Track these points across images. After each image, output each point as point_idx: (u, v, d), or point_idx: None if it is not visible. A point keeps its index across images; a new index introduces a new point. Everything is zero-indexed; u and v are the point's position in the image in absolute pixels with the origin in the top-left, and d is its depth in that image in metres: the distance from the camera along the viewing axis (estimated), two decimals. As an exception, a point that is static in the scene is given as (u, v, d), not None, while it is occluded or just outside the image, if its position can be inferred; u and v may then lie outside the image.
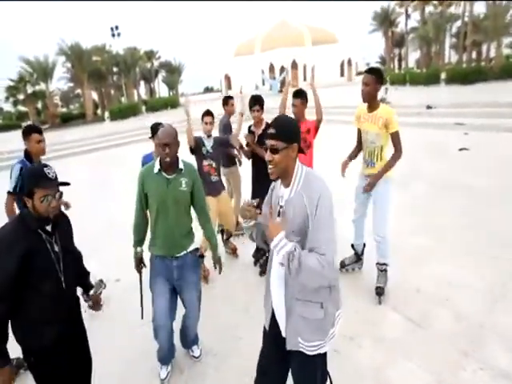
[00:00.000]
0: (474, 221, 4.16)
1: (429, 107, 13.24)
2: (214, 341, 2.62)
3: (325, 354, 1.56)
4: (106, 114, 24.61)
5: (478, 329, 2.47)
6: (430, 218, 4.37)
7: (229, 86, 48.13)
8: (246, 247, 3.98)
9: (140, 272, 2.37)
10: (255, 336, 1.86)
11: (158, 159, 2.07)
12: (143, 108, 27.60)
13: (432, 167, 6.58)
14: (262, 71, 42.77)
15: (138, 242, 2.28)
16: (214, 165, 3.45)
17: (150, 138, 3.04)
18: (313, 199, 1.36)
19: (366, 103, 2.79)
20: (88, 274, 1.94)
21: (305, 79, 41.23)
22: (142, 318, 2.46)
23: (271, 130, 1.41)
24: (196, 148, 3.38)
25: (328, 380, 1.63)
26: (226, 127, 4.21)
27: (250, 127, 3.55)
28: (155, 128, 2.96)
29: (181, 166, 2.09)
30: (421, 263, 3.39)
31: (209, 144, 3.44)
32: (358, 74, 44.25)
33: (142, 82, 43.07)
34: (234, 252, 3.92)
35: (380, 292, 2.92)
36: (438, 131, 10.16)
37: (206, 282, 3.39)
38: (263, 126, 3.46)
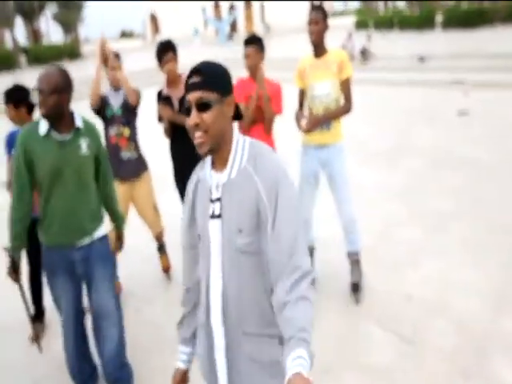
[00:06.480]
0: (476, 204, 4.45)
1: (421, 59, 13.92)
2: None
3: None
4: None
5: (482, 340, 2.66)
6: (424, 203, 4.59)
7: (156, 30, 46.49)
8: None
9: (17, 280, 2.24)
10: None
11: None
12: (23, 59, 25.39)
13: (425, 138, 6.93)
14: (203, 10, 41.80)
15: (19, 238, 2.15)
16: (125, 133, 3.20)
17: (15, 106, 2.80)
18: (269, 181, 1.25)
19: (312, 48, 3.06)
20: None
21: (262, 21, 41.10)
22: (41, 351, 2.55)
23: (195, 79, 1.26)
24: (99, 109, 3.16)
25: None
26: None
27: (160, 92, 3.25)
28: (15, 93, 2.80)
29: (78, 123, 2.13)
30: (412, 262, 3.55)
31: (116, 102, 3.20)
32: (333, 15, 45.06)
33: (20, 20, 39.11)
34: (166, 270, 3.67)
35: (356, 288, 3.14)
36: (433, 90, 10.75)
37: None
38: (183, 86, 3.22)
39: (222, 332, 1.36)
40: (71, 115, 2.13)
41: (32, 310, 3.01)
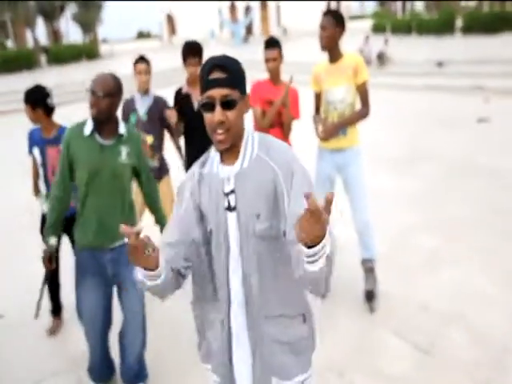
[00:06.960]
0: (493, 213, 4.39)
1: (440, 64, 13.79)
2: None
3: None
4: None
5: (501, 353, 2.62)
6: (440, 211, 4.56)
7: (172, 31, 46.92)
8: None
9: (48, 269, 2.39)
10: None
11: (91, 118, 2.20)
12: (43, 58, 26.00)
13: (443, 144, 6.87)
14: (219, 11, 42.07)
15: (54, 225, 2.29)
16: (149, 142, 3.27)
17: (32, 107, 2.80)
18: (284, 164, 1.30)
19: (326, 53, 3.05)
20: None
21: (279, 24, 41.18)
22: (36, 317, 2.64)
23: (219, 74, 1.25)
24: (125, 120, 3.21)
25: None
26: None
27: (179, 90, 3.31)
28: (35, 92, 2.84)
29: (121, 130, 2.21)
30: (427, 270, 3.54)
31: (143, 107, 3.25)
32: (351, 18, 44.84)
33: (41, 20, 39.92)
34: None
35: (370, 296, 3.11)
36: (451, 96, 10.63)
37: None
38: None
39: (244, 322, 1.39)
40: (116, 121, 2.22)
41: (50, 305, 3.12)
